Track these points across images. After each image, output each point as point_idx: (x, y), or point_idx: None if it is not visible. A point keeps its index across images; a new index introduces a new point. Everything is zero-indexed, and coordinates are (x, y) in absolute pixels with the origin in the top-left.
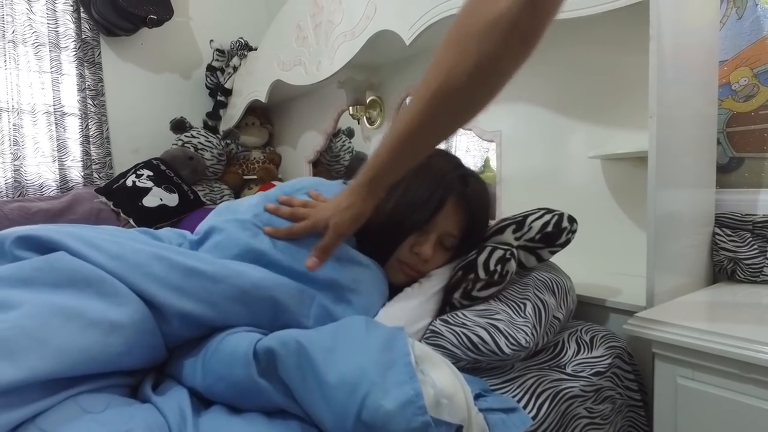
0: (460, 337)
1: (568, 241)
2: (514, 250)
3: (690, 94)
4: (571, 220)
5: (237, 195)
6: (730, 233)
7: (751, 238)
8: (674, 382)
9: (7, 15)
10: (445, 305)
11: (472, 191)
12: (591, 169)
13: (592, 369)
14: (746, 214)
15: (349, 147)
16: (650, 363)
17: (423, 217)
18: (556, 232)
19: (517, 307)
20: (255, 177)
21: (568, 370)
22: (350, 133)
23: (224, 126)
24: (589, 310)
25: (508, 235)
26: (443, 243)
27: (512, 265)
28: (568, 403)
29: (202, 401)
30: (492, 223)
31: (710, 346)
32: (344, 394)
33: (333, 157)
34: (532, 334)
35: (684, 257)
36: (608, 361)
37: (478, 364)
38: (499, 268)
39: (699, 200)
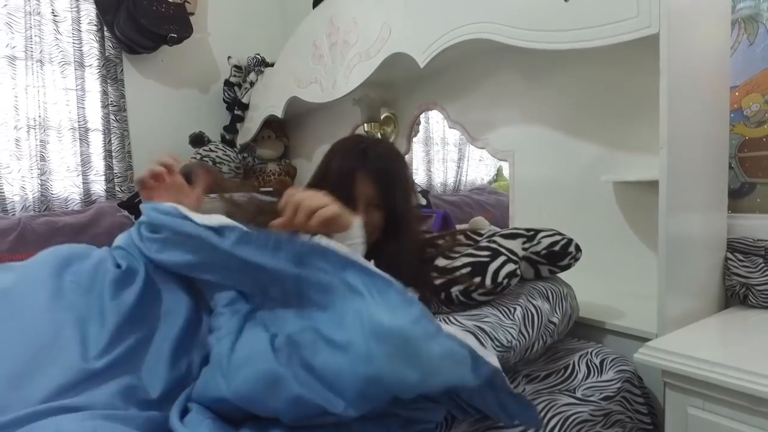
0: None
1: (569, 266)
2: (520, 263)
3: (701, 118)
4: (578, 248)
5: None
6: (742, 258)
7: (763, 264)
8: (685, 411)
9: (35, 36)
10: (441, 291)
11: (372, 160)
12: (603, 189)
13: (601, 393)
14: (758, 240)
15: None
16: (661, 388)
17: (343, 198)
18: (562, 253)
19: (507, 311)
20: (271, 189)
21: (578, 394)
22: None
23: (241, 139)
24: (600, 333)
25: (517, 244)
26: (372, 205)
27: (515, 281)
28: (578, 428)
29: (230, 423)
30: (506, 228)
31: (720, 378)
32: (351, 328)
33: None
34: (519, 335)
35: (696, 281)
36: (617, 385)
37: None
38: (505, 281)
39: (711, 224)
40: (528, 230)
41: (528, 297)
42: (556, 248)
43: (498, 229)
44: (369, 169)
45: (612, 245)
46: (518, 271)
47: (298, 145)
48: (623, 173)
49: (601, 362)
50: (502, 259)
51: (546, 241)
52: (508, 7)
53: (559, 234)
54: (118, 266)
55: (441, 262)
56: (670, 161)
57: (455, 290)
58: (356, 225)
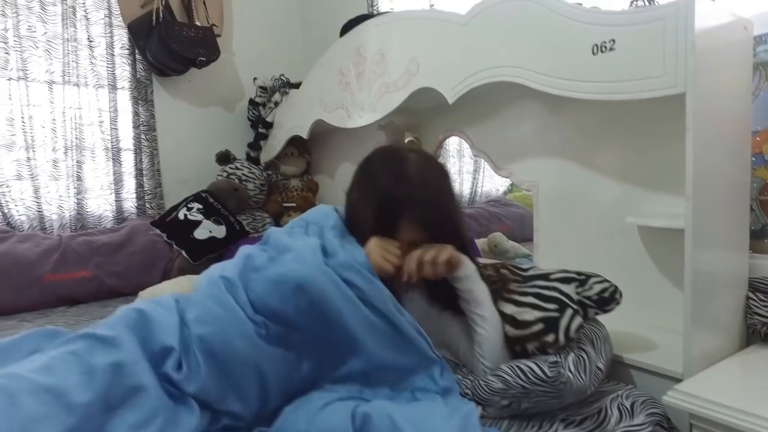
0: (513, 369)
1: (611, 310)
2: (580, 311)
3: (725, 163)
4: (621, 294)
5: (277, 222)
6: (763, 298)
7: None
8: None
9: (72, 61)
10: (516, 345)
11: (417, 207)
12: (627, 224)
13: None
14: None
15: None
16: (688, 427)
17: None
18: (610, 299)
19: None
20: (294, 204)
21: None
22: None
23: (265, 156)
24: (625, 369)
25: (572, 289)
26: (414, 242)
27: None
28: None
29: None
30: (557, 271)
31: (744, 425)
32: None
33: None
34: (575, 368)
35: (719, 320)
36: (649, 429)
37: (531, 403)
38: (575, 336)
39: (733, 264)
40: (579, 274)
41: (578, 343)
42: (606, 294)
43: (534, 265)
44: (414, 218)
45: (634, 278)
46: (584, 324)
47: (320, 161)
48: (648, 209)
49: (632, 405)
50: (569, 313)
51: (597, 287)
52: (537, 55)
53: (606, 280)
54: (179, 366)
55: (508, 308)
56: (695, 211)
57: (531, 347)
58: (466, 260)
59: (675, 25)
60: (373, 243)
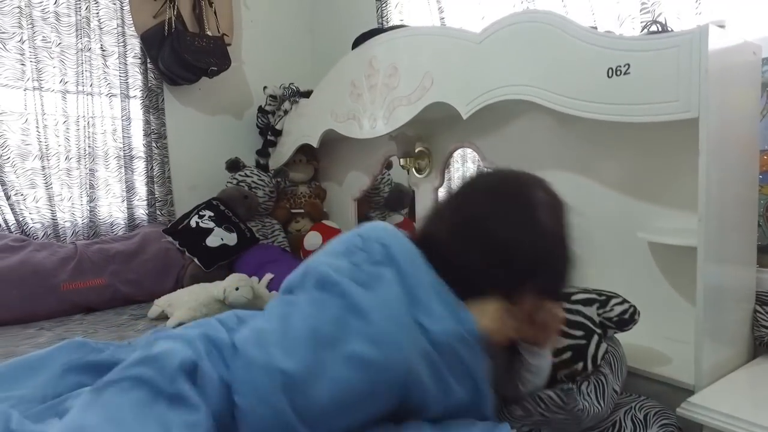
0: (534, 397)
1: (628, 330)
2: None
3: (734, 181)
4: (639, 314)
5: (285, 228)
6: None
7: None
8: None
9: (85, 71)
10: None
11: (549, 275)
12: (637, 238)
13: None
14: None
15: (389, 179)
16: None
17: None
18: (629, 320)
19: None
20: (302, 210)
21: None
22: (389, 166)
23: (273, 163)
24: (640, 383)
25: (593, 311)
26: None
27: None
28: None
29: None
30: (577, 290)
31: None
32: None
33: (374, 189)
34: (593, 396)
35: (729, 332)
36: None
37: (551, 430)
38: (602, 362)
39: (741, 278)
40: (599, 294)
41: (598, 366)
42: (626, 316)
43: None
44: (541, 286)
45: (644, 290)
46: (609, 347)
47: (327, 168)
48: (657, 223)
49: (645, 417)
50: (596, 340)
51: (618, 309)
52: (552, 75)
53: (626, 301)
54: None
55: None
56: (707, 231)
57: (561, 375)
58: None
59: (689, 52)
60: (502, 312)
